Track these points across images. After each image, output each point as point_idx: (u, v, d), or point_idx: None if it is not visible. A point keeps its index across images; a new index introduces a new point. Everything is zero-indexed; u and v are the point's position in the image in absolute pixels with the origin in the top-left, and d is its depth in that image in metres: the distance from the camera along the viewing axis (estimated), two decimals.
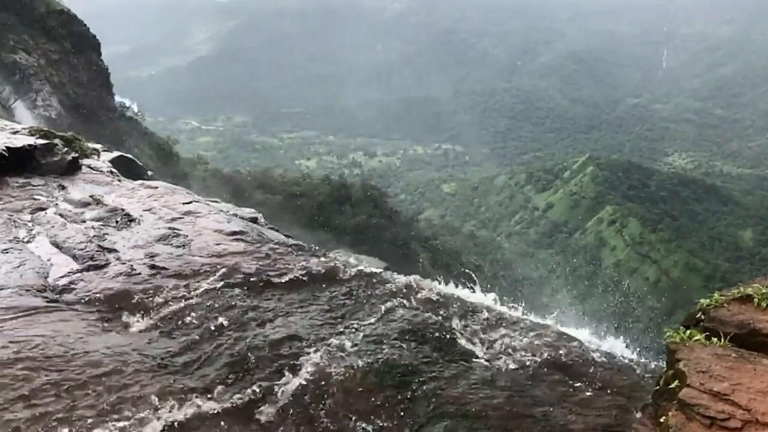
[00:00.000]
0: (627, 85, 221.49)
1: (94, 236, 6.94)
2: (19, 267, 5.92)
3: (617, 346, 5.49)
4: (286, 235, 8.47)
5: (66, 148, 10.24)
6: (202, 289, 5.70)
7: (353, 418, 4.02)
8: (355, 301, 5.65)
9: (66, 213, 7.85)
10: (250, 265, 6.35)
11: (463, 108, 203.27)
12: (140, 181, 10.23)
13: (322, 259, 6.83)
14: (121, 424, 3.70)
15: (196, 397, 4.03)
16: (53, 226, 7.25)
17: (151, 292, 5.60)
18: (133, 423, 3.72)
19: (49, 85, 38.65)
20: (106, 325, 5.00)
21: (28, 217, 7.60)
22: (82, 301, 5.40)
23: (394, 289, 5.98)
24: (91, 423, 3.70)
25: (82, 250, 6.47)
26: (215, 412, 3.92)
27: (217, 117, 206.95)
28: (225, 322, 5.07)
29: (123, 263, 6.23)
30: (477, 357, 4.81)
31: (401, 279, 6.38)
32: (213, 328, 4.97)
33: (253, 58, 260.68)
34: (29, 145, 9.58)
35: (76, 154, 10.37)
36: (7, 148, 9.13)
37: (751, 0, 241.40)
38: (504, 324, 5.48)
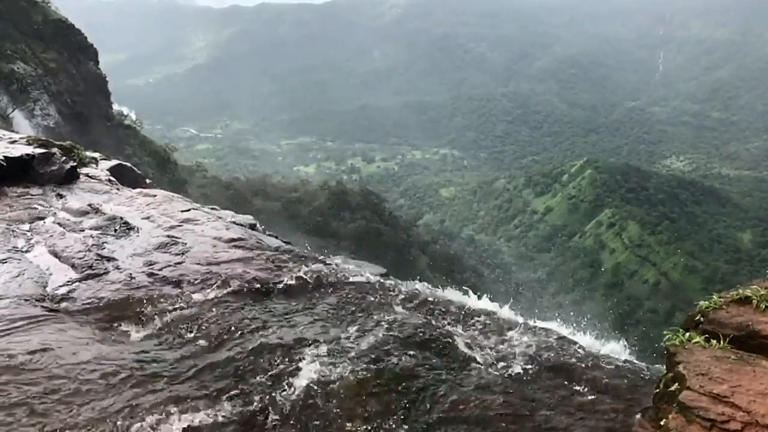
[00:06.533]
0: (624, 89, 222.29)
1: (93, 245, 6.94)
2: (18, 276, 5.92)
3: (617, 349, 5.49)
4: (285, 242, 8.46)
5: (64, 157, 10.23)
6: (201, 297, 5.70)
7: (353, 424, 4.01)
8: (354, 307, 5.65)
9: (64, 222, 7.85)
10: (249, 272, 6.35)
11: (461, 113, 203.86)
12: (139, 189, 10.23)
13: (321, 265, 6.83)
14: None
15: (197, 405, 4.02)
16: (52, 236, 7.24)
17: (150, 300, 5.60)
18: None
19: (47, 94, 38.69)
20: (105, 333, 5.00)
21: (27, 227, 7.60)
22: (81, 310, 5.39)
23: (393, 295, 5.98)
24: None
25: (80, 258, 6.46)
26: (216, 420, 3.91)
27: (216, 124, 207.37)
28: (224, 330, 5.06)
29: (122, 272, 6.23)
30: (476, 361, 4.81)
31: (400, 284, 6.38)
32: (212, 335, 4.97)
33: (250, 66, 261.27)
34: (27, 155, 9.58)
35: (75, 163, 10.36)
36: (5, 157, 9.13)
37: (746, 2, 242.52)
38: (503, 328, 5.48)
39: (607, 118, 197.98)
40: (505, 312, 6.12)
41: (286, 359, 4.61)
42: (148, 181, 13.33)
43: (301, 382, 4.34)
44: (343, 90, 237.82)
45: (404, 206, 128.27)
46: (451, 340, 5.06)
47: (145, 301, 5.58)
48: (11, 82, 36.45)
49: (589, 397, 4.36)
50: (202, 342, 4.87)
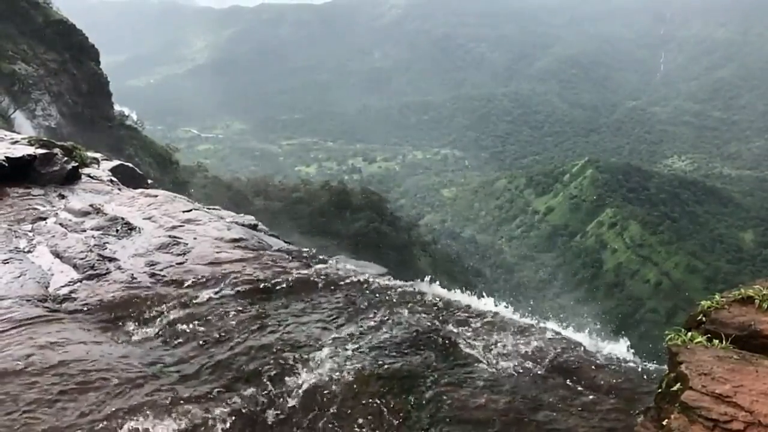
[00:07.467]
0: (625, 89, 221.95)
1: (95, 245, 6.94)
2: (19, 277, 5.92)
3: (619, 349, 5.49)
4: (286, 242, 8.47)
5: (66, 158, 10.24)
6: (202, 297, 5.70)
7: (355, 425, 4.02)
8: (356, 307, 5.65)
9: (66, 222, 7.86)
10: (250, 272, 6.35)
11: (462, 113, 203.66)
12: (140, 190, 10.24)
13: (323, 265, 6.83)
14: None
15: (199, 404, 4.03)
16: (54, 236, 7.25)
17: (152, 300, 5.60)
18: None
19: (48, 94, 38.78)
20: (107, 334, 5.00)
21: (29, 227, 7.61)
22: (83, 310, 5.40)
23: (395, 295, 5.98)
24: None
25: (82, 259, 6.47)
26: (218, 419, 3.91)
27: (216, 125, 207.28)
28: (226, 330, 5.07)
29: (123, 272, 6.24)
30: (479, 362, 4.81)
31: (402, 284, 6.38)
32: (214, 336, 4.97)
33: (251, 66, 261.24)
34: (29, 155, 9.59)
35: (76, 164, 10.37)
36: (7, 158, 9.14)
37: (747, 2, 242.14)
38: (505, 328, 5.47)
39: (608, 117, 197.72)
40: (508, 312, 6.12)
41: (289, 359, 4.61)
42: (149, 181, 13.36)
43: (303, 382, 4.34)
44: (343, 90, 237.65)
45: (405, 206, 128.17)
46: (454, 341, 5.06)
47: (147, 301, 5.58)
48: (13, 82, 36.55)
49: (591, 398, 4.36)
50: (204, 342, 4.88)
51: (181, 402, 4.04)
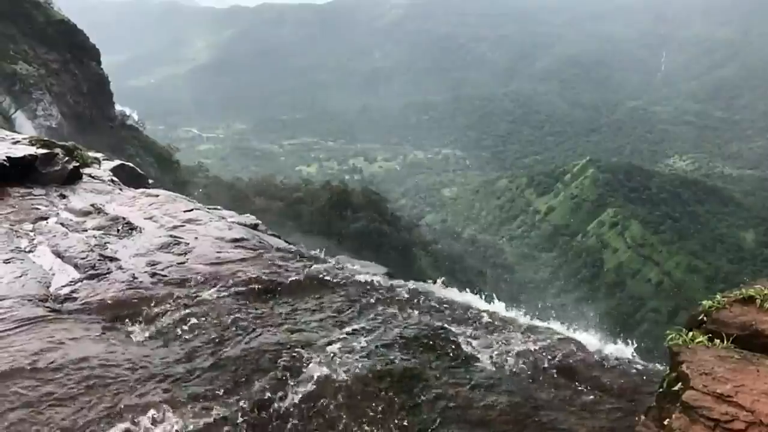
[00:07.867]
0: (626, 88, 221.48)
1: (96, 245, 6.94)
2: (21, 277, 5.92)
3: (620, 349, 5.49)
4: (287, 242, 8.47)
5: (67, 158, 10.24)
6: (204, 297, 5.70)
7: (357, 424, 4.02)
8: (357, 307, 5.66)
9: (67, 222, 7.86)
10: (251, 271, 6.35)
11: (463, 113, 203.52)
12: (141, 190, 10.25)
13: (324, 264, 6.84)
14: None
15: (201, 405, 4.03)
16: (55, 236, 7.25)
17: (153, 300, 5.60)
18: None
19: (49, 94, 38.74)
20: (108, 333, 5.00)
21: (30, 227, 7.61)
22: (84, 310, 5.40)
23: (396, 295, 5.98)
24: None
25: (83, 259, 6.47)
26: (220, 419, 3.91)
27: (217, 125, 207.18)
28: (227, 329, 5.07)
29: (124, 272, 6.23)
30: (480, 361, 4.81)
31: (403, 284, 6.38)
32: (215, 335, 4.98)
33: (251, 66, 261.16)
34: (30, 155, 9.58)
35: (77, 164, 10.37)
36: (8, 158, 9.13)
37: (748, 2, 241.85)
38: (507, 328, 5.48)
39: (609, 117, 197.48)
40: (509, 312, 6.12)
41: (290, 359, 4.61)
42: (150, 181, 13.36)
43: (304, 381, 4.34)
44: (344, 90, 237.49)
45: (406, 206, 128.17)
46: (455, 340, 5.06)
47: (148, 301, 5.58)
48: (14, 82, 36.54)
49: (593, 397, 4.36)
50: (205, 342, 4.88)
51: (182, 402, 4.04)
